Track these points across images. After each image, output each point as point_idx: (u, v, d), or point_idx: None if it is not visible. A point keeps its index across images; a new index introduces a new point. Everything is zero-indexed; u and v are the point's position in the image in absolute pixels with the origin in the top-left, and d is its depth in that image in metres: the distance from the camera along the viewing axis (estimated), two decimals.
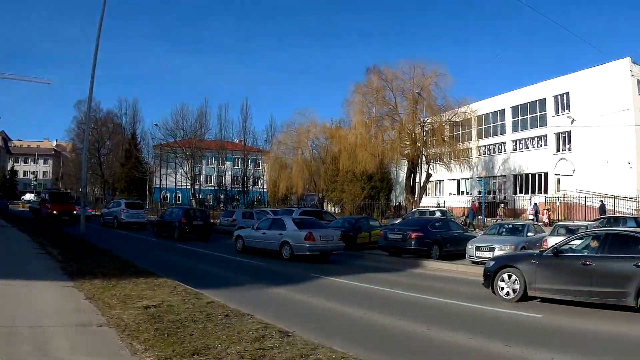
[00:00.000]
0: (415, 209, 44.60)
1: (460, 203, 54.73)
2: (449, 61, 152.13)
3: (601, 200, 42.40)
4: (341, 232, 24.97)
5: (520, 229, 24.19)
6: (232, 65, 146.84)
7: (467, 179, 62.45)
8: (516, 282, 13.31)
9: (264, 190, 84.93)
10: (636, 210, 41.86)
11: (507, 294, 13.41)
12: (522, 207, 50.42)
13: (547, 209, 43.53)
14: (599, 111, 46.48)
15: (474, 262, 21.47)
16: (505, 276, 13.50)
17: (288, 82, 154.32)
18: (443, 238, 24.20)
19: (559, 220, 41.23)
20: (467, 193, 63.35)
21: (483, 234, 25.81)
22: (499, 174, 58.53)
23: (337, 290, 15.27)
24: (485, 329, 10.54)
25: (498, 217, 45.96)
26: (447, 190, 66.14)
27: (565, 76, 52.45)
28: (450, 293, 14.89)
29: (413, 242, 23.28)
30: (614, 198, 42.50)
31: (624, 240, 12.73)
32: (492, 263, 14.26)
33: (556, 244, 13.92)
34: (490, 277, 13.84)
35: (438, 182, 62.63)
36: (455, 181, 64.78)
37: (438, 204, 53.67)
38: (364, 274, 18.42)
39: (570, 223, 24.72)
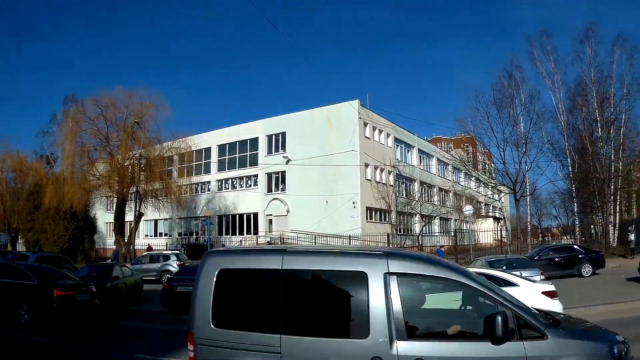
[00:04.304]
0: (147, 253, 39.40)
1: (161, 245, 51.05)
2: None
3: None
4: (94, 284, 19.26)
5: None
6: None
7: (166, 219, 58.65)
8: None
9: None
10: None
11: None
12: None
13: None
14: (320, 151, 47.18)
15: None
16: None
17: None
18: None
19: None
20: (165, 234, 59.88)
21: None
22: (201, 215, 55.31)
23: None
24: None
25: None
26: (144, 231, 60.87)
27: (282, 115, 52.66)
28: None
29: None
30: (349, 237, 42.90)
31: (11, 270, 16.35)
32: None
33: None
34: None
35: (128, 222, 57.65)
36: (153, 222, 60.55)
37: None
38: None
39: None
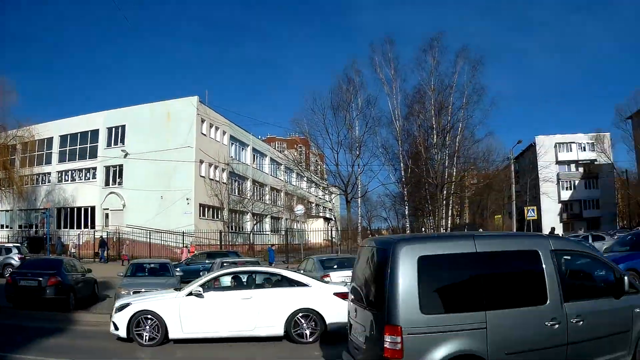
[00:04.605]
0: None
1: (2, 238, 50.16)
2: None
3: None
4: None
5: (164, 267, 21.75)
6: None
7: (7, 211, 56.79)
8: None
9: None
10: (186, 246, 42.16)
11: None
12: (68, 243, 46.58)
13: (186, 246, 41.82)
14: (158, 146, 46.87)
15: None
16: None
17: None
18: (76, 282, 20.41)
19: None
20: (7, 227, 57.88)
21: (124, 276, 20.59)
22: (41, 207, 53.56)
23: None
24: None
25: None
26: None
27: (122, 108, 52.46)
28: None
29: (52, 290, 18.63)
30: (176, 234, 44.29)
31: None
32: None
33: None
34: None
35: None
36: None
37: None
38: (42, 341, 13.79)
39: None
